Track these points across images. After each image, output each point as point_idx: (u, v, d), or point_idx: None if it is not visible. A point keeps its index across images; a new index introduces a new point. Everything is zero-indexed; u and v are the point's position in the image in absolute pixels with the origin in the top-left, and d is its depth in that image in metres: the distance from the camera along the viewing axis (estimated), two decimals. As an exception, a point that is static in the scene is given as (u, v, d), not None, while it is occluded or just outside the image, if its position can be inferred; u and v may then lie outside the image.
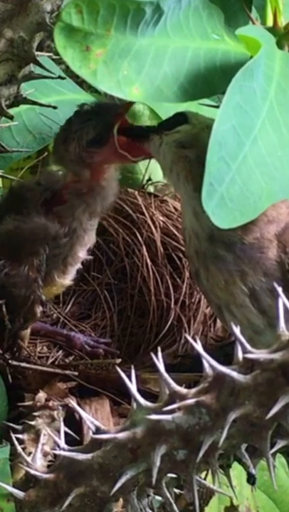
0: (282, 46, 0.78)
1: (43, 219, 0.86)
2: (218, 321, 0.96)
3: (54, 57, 0.76)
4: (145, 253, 1.00)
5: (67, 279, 0.91)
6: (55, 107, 0.89)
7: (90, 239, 0.90)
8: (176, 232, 1.01)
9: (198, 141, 0.79)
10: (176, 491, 0.60)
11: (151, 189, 1.01)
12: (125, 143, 0.85)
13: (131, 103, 0.86)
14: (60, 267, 0.88)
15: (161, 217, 0.99)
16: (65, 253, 0.88)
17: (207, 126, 0.79)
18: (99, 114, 0.85)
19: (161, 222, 1.02)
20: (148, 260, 0.99)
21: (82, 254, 0.90)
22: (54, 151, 0.91)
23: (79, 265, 0.91)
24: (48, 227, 0.86)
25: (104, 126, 0.84)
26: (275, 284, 0.57)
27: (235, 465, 0.61)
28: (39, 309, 0.87)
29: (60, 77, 0.82)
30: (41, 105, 0.84)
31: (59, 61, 0.76)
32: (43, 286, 0.86)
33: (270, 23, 0.81)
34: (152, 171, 1.00)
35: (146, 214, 0.98)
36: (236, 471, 0.63)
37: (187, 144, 0.80)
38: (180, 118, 0.82)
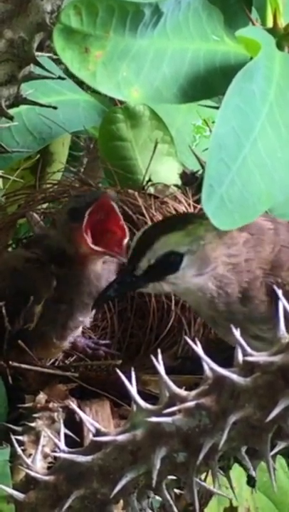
0: (282, 47, 0.78)
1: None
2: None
3: (54, 57, 0.76)
4: (145, 254, 0.99)
5: (65, 343, 0.91)
6: (55, 107, 0.89)
7: (88, 310, 0.90)
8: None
9: None
10: (176, 491, 0.60)
11: (151, 190, 1.00)
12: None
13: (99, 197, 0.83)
14: (59, 330, 0.88)
15: (161, 219, 0.98)
16: (64, 319, 0.88)
17: None
18: (90, 195, 0.84)
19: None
20: (148, 261, 0.99)
21: (83, 318, 0.90)
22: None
23: (78, 332, 0.92)
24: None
25: (83, 205, 0.82)
26: (275, 287, 0.57)
27: (235, 466, 0.61)
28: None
29: (60, 78, 0.82)
30: (41, 105, 0.84)
31: (59, 61, 0.76)
32: (40, 349, 0.88)
33: (270, 24, 0.81)
34: (153, 172, 1.00)
35: (147, 215, 0.97)
36: (236, 472, 0.63)
37: None
38: None
